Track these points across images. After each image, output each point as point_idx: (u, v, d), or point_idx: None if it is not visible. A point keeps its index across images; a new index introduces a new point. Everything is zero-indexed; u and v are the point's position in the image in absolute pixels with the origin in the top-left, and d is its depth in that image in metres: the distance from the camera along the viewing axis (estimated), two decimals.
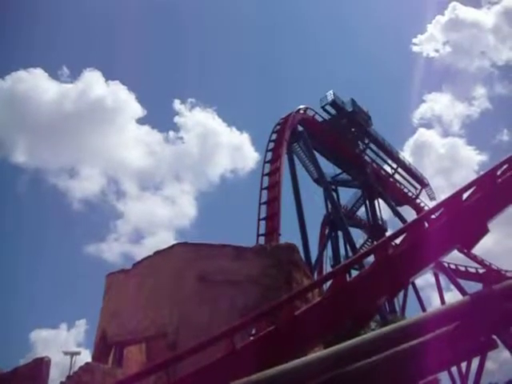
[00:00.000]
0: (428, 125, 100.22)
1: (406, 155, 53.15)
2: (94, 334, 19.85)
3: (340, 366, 3.54)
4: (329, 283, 10.06)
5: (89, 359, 18.02)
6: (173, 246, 17.84)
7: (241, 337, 10.02)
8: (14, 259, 55.59)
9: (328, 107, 40.25)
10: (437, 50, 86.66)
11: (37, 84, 71.18)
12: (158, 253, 18.06)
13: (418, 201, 47.43)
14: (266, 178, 32.10)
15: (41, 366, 13.20)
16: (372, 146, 43.46)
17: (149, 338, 17.00)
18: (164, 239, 75.10)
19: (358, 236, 40.36)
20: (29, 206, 71.50)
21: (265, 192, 31.22)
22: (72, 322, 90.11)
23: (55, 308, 64.06)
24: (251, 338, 10.65)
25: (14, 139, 73.96)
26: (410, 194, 47.27)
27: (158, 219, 76.65)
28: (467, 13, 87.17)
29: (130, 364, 17.18)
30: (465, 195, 9.93)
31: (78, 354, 21.24)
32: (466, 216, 9.54)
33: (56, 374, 15.16)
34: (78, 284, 67.66)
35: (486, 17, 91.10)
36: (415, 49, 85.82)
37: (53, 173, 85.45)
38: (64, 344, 54.59)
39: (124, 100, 78.41)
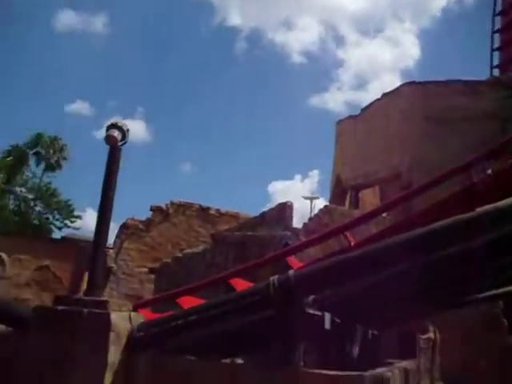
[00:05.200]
0: None
1: None
2: (327, 183, 20.90)
3: None
4: None
5: None
6: (399, 87, 17.22)
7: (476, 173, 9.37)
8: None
9: None
10: None
11: None
12: (385, 95, 17.66)
13: None
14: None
15: (285, 208, 14.57)
16: None
17: (382, 180, 17.26)
18: (388, 83, 72.86)
19: None
20: (249, 66, 75.27)
21: (498, 18, 27.03)
22: (305, 173, 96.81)
23: (289, 160, 69.02)
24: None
25: (226, 2, 76.20)
26: None
27: (381, 63, 73.95)
28: None
29: (365, 206, 17.83)
30: None
31: (316, 198, 22.78)
32: None
33: (296, 218, 16.57)
34: (306, 136, 71.17)
35: None
36: None
37: (269, 28, 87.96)
38: (300, 192, 58.71)
39: None
